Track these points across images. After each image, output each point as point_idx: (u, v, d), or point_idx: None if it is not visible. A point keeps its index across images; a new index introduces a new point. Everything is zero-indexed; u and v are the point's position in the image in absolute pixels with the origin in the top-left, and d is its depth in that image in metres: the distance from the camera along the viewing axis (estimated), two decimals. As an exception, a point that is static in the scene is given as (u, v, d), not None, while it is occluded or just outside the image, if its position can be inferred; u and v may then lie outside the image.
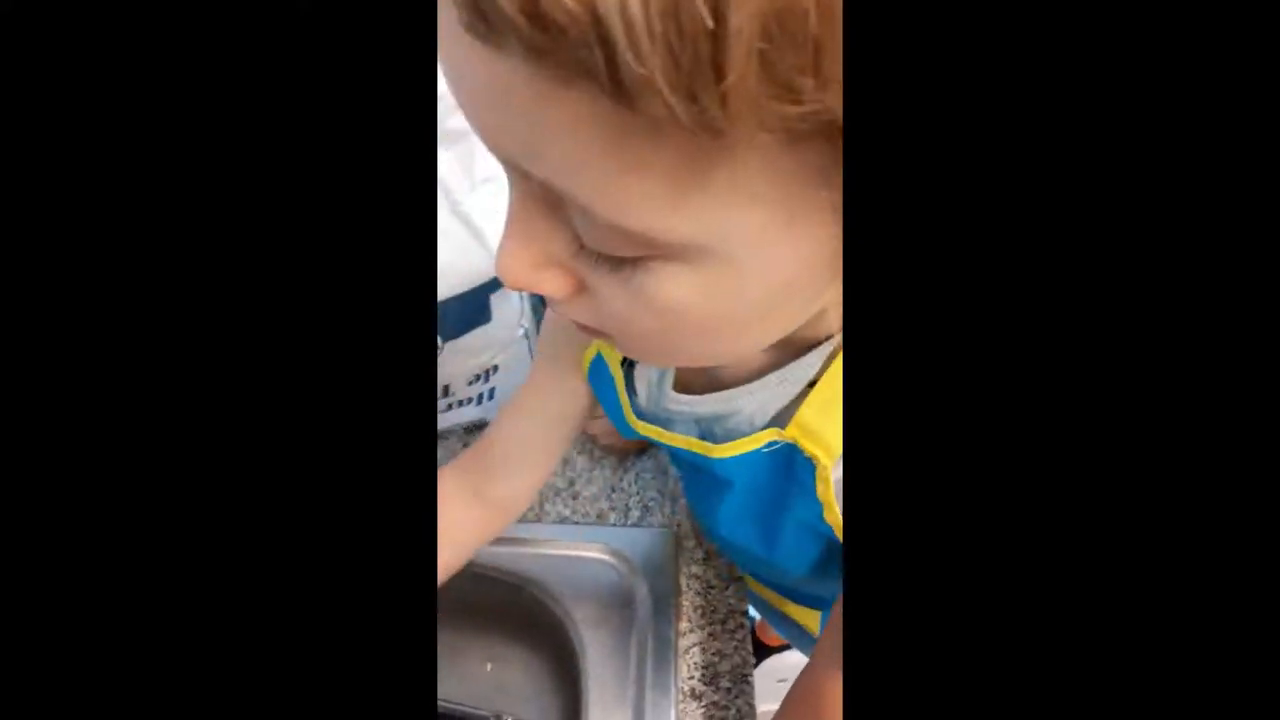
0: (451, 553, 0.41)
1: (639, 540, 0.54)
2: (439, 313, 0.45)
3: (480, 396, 0.58)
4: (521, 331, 0.55)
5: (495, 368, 0.56)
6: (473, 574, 0.54)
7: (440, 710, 0.54)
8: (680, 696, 0.46)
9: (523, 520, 0.55)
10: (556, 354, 0.39)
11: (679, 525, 0.55)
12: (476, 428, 0.61)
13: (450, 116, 0.40)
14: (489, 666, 0.59)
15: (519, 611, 0.55)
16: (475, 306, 0.50)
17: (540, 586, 0.52)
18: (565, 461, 0.59)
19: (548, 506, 0.56)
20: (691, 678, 0.47)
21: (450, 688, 0.57)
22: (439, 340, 0.49)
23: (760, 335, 0.24)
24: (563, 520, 0.55)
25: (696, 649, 0.49)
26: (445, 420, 0.58)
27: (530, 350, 0.56)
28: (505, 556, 0.53)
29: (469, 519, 0.41)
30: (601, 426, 0.60)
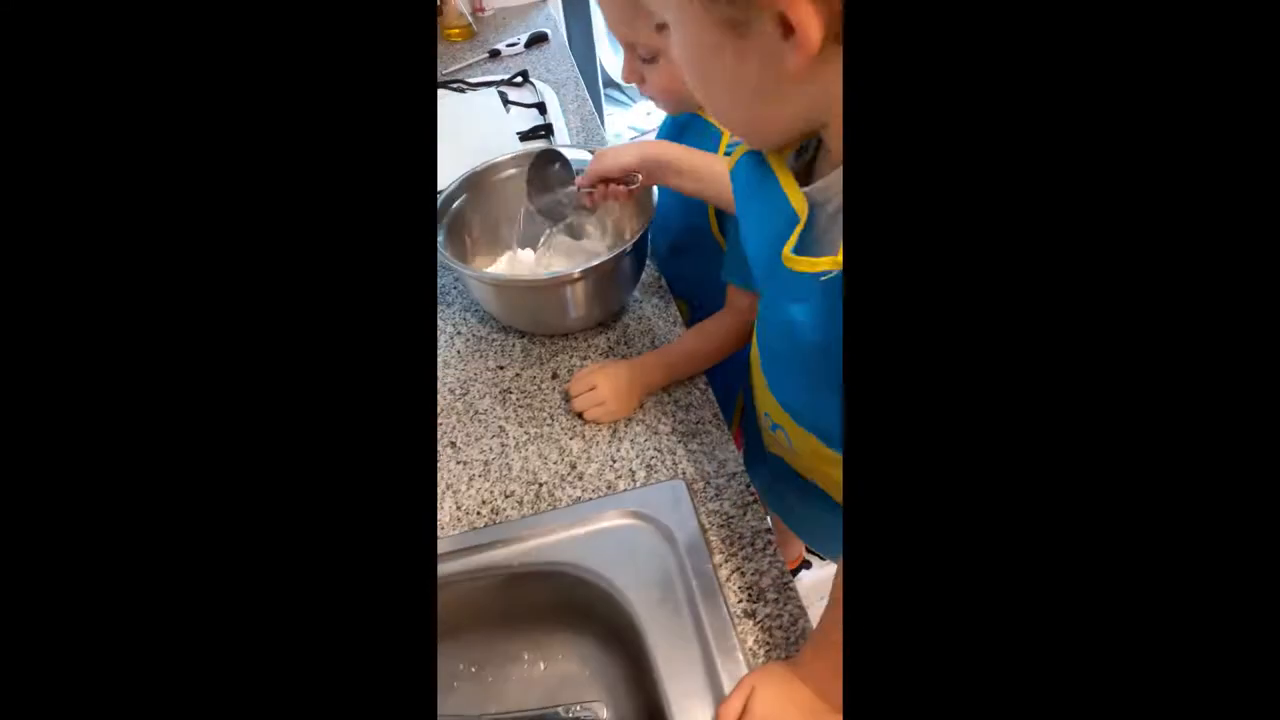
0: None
1: (653, 496, 0.56)
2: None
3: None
4: None
5: None
6: (509, 577, 0.55)
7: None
8: (735, 620, 0.49)
9: (538, 512, 0.56)
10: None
11: (684, 472, 0.58)
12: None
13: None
14: (542, 665, 0.60)
15: (560, 600, 0.55)
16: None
17: (577, 566, 0.53)
18: (561, 450, 0.60)
19: (559, 494, 0.57)
20: (740, 600, 0.50)
21: (514, 697, 0.58)
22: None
23: (736, 118, 0.40)
24: (576, 502, 0.57)
25: (735, 574, 0.51)
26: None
27: None
28: (535, 550, 0.54)
29: None
30: (584, 403, 0.62)
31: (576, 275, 0.62)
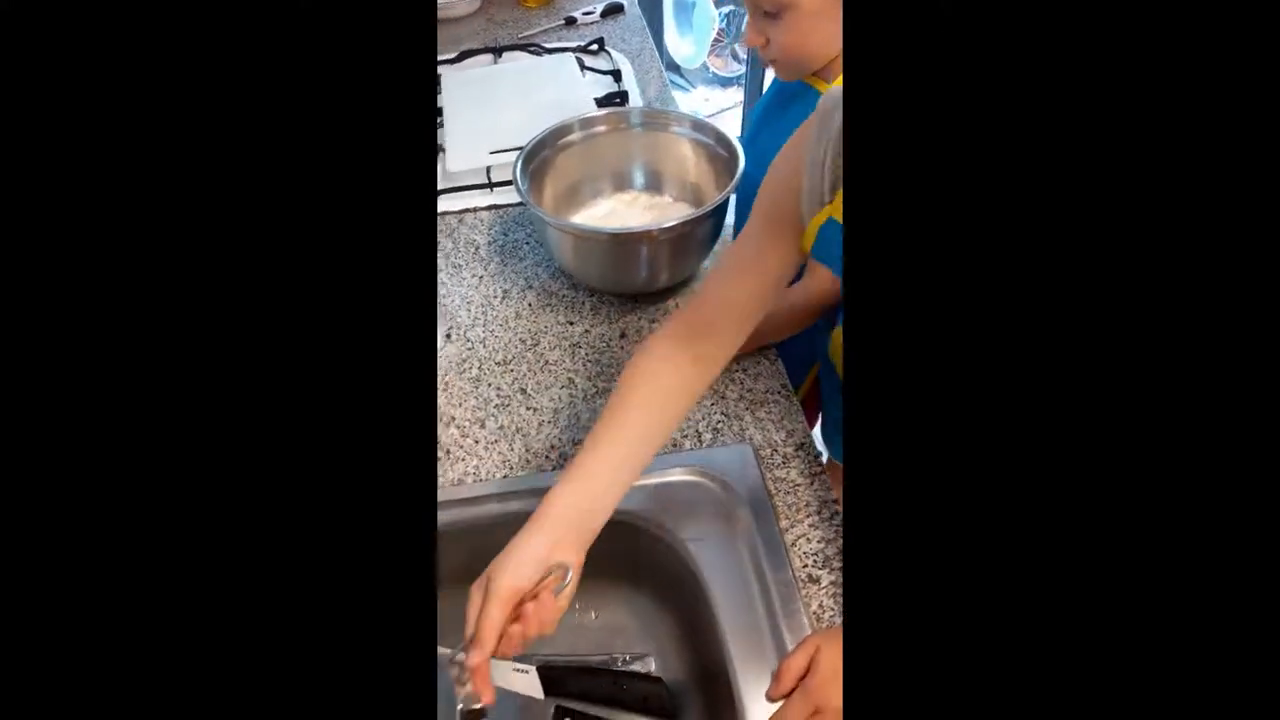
0: (667, 412, 0.44)
1: (721, 457, 0.56)
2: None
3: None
4: None
5: None
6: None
7: (550, 664, 0.55)
8: (800, 584, 0.49)
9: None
10: (778, 216, 0.43)
11: (751, 439, 0.58)
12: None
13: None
14: (594, 614, 0.60)
15: (618, 551, 0.56)
16: None
17: (639, 516, 0.53)
18: (626, 405, 0.61)
19: (624, 447, 0.58)
20: (805, 566, 0.50)
21: (564, 642, 0.59)
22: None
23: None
24: (641, 457, 0.57)
25: (801, 540, 0.51)
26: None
27: None
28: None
29: (681, 377, 0.44)
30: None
31: (655, 232, 0.62)
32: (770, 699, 0.40)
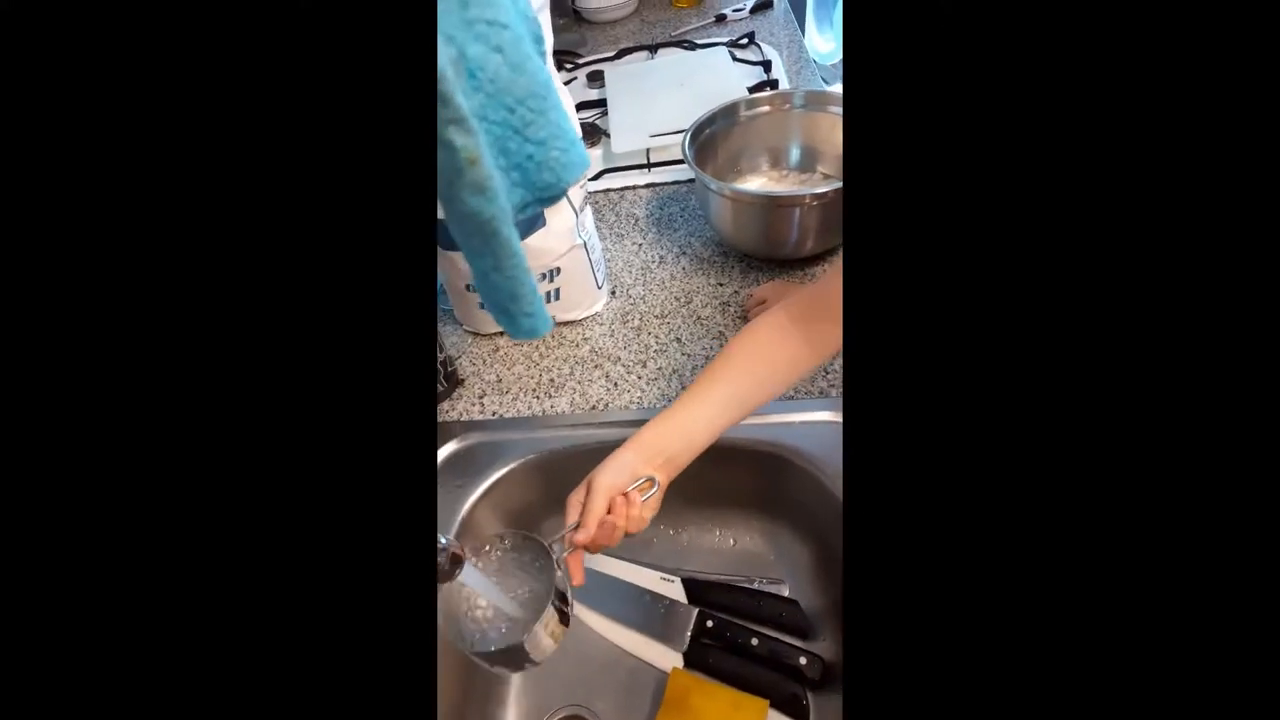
0: (769, 380, 0.49)
1: (864, 404, 0.60)
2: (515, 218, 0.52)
3: (548, 295, 0.72)
4: (580, 242, 0.69)
5: (558, 269, 0.70)
6: (717, 451, 0.62)
7: (693, 578, 0.62)
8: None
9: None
10: None
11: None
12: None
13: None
14: (732, 541, 0.67)
15: (760, 483, 0.62)
16: (533, 218, 0.66)
17: (789, 449, 0.59)
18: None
19: (771, 390, 0.63)
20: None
21: (702, 561, 0.65)
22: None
23: None
24: (788, 399, 0.62)
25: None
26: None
27: (588, 258, 0.71)
28: (745, 428, 0.60)
29: (789, 351, 0.48)
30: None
31: (808, 198, 0.68)
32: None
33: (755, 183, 0.83)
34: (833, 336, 0.47)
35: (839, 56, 2.21)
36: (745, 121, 0.81)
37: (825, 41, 2.17)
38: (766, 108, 0.81)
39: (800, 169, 0.83)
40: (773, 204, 0.71)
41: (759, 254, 0.77)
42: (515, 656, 0.41)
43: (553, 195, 0.49)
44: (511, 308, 0.48)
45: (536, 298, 0.48)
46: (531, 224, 0.67)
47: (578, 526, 0.45)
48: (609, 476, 0.46)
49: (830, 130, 0.80)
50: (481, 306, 0.71)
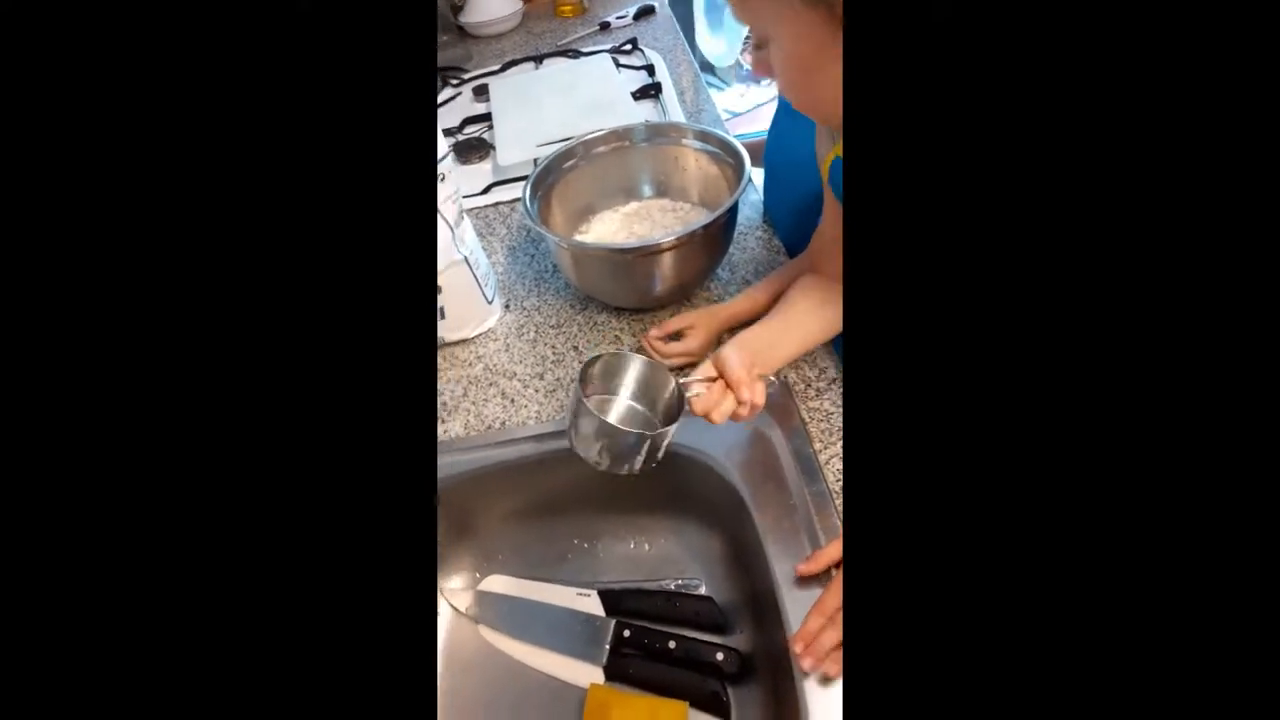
0: (831, 318, 0.58)
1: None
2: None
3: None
4: (460, 257, 0.66)
5: (439, 288, 0.66)
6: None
7: (608, 589, 0.61)
8: (833, 496, 0.53)
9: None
10: None
11: (785, 378, 0.62)
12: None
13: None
14: (646, 546, 0.66)
15: (664, 482, 0.61)
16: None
17: (683, 445, 0.58)
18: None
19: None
20: (838, 481, 0.54)
21: (620, 570, 0.64)
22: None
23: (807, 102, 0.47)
24: (684, 397, 0.62)
25: (835, 459, 0.55)
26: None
27: (473, 274, 0.68)
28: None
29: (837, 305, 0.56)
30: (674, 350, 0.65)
31: (664, 244, 0.61)
32: (799, 574, 0.45)
33: (613, 222, 0.77)
34: None
35: (734, 58, 2.27)
36: (586, 164, 0.76)
37: (718, 43, 2.22)
38: (603, 148, 0.75)
39: (658, 196, 0.78)
40: (621, 255, 0.64)
41: (615, 304, 0.72)
42: (643, 449, 0.49)
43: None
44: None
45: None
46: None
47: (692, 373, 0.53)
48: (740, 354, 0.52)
49: (677, 160, 0.75)
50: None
